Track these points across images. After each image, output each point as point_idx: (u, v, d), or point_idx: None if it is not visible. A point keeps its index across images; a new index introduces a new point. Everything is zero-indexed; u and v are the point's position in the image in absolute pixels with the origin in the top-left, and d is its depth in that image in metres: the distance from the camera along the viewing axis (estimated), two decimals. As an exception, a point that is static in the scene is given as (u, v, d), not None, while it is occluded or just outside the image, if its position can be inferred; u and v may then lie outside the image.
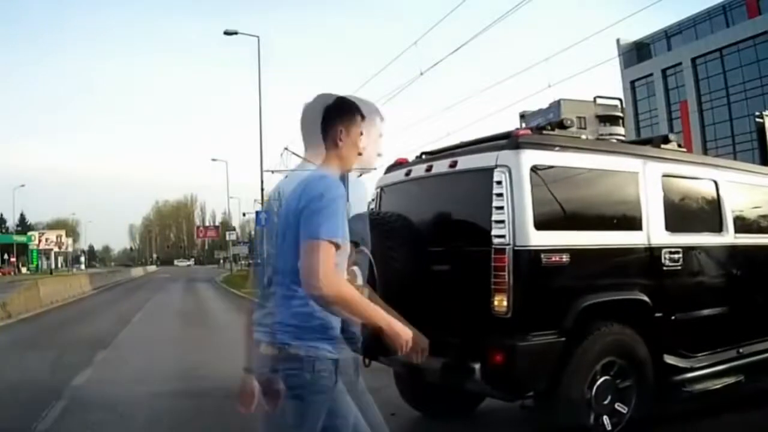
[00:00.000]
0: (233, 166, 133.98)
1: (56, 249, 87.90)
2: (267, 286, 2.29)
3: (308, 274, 2.01)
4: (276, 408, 2.07)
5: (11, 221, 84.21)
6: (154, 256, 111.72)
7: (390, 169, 5.02)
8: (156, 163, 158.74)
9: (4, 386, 6.27)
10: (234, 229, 59.43)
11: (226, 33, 23.28)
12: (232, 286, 28.33)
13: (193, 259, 79.53)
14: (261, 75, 27.05)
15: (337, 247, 2.08)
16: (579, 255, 3.80)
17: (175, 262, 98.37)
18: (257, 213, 27.78)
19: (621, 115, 50.49)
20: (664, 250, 4.19)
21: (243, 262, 70.74)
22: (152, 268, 76.77)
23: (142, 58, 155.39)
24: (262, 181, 25.20)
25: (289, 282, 2.14)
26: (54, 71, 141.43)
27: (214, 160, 54.03)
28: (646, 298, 3.99)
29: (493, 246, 3.67)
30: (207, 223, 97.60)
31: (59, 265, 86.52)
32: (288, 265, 2.13)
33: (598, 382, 3.80)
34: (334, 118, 2.26)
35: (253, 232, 77.43)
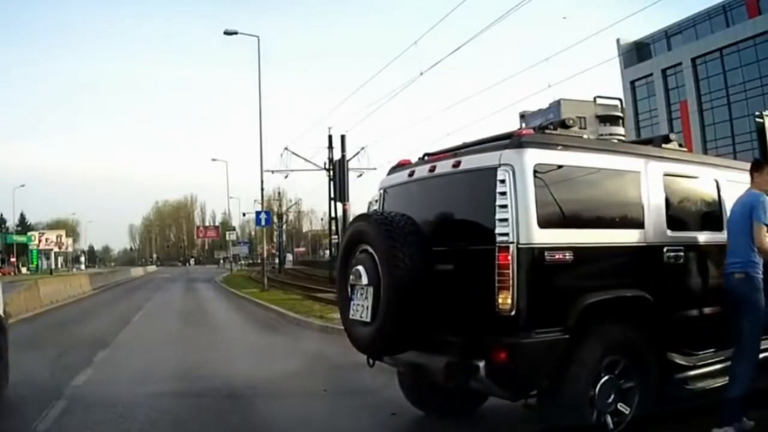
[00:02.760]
0: (233, 166, 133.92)
1: (56, 249, 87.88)
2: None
3: (760, 241, 4.21)
4: None
5: (11, 221, 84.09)
6: (154, 256, 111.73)
7: (393, 170, 5.04)
8: (156, 163, 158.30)
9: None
10: (234, 229, 59.28)
11: (226, 33, 23.22)
12: (232, 286, 28.29)
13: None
14: (261, 75, 27.21)
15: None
16: (582, 253, 3.82)
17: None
18: (257, 213, 27.78)
19: (621, 115, 50.56)
20: (666, 248, 4.22)
21: (242, 262, 70.48)
22: (152, 268, 76.64)
23: (142, 58, 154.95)
24: (262, 181, 25.21)
25: (740, 242, 4.29)
26: (54, 71, 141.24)
27: (214, 160, 54.27)
28: (648, 296, 4.00)
29: (497, 244, 3.67)
30: (207, 223, 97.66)
31: (59, 265, 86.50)
32: (742, 236, 4.29)
33: (602, 381, 3.81)
34: (760, 169, 4.48)
35: (253, 232, 77.27)
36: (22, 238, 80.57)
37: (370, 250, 4.15)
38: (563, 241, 3.77)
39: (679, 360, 4.20)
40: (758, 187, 4.39)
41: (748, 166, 4.68)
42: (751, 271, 4.22)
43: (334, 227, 31.13)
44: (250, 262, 70.22)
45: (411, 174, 4.69)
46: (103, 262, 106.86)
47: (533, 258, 3.67)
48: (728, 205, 4.65)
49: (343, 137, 24.78)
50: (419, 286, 3.89)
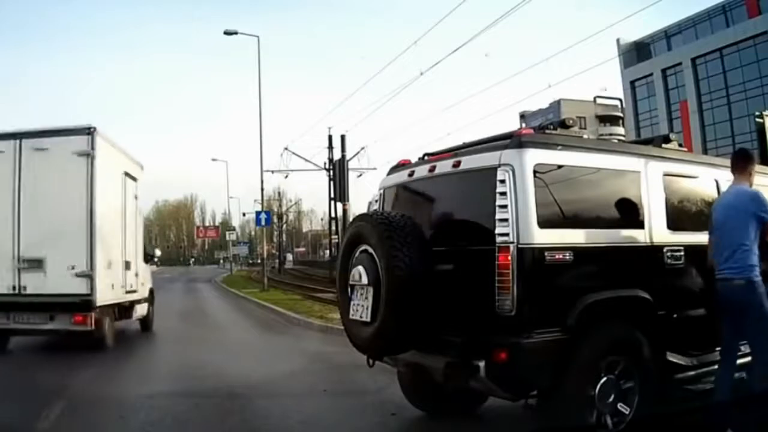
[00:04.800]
0: (233, 166, 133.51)
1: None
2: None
3: None
4: None
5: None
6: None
7: (393, 170, 5.04)
8: (156, 163, 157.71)
9: (4, 386, 6.26)
10: (234, 229, 59.26)
11: (226, 33, 23.22)
12: (232, 286, 28.27)
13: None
14: (261, 75, 27.26)
15: None
16: (582, 253, 3.82)
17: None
18: (257, 213, 27.80)
19: (621, 115, 50.54)
20: (666, 248, 4.23)
21: (242, 262, 70.57)
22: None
23: (142, 59, 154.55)
24: (262, 181, 25.20)
25: (739, 245, 4.05)
26: (54, 72, 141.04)
27: (214, 160, 54.30)
28: (648, 296, 4.01)
29: (497, 244, 3.68)
30: (207, 223, 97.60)
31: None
32: (737, 236, 4.08)
33: (602, 381, 3.81)
34: (751, 162, 4.33)
35: (253, 232, 77.35)
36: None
37: (370, 250, 4.15)
38: (563, 241, 3.77)
39: (679, 360, 4.21)
40: (747, 183, 4.24)
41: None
42: (752, 275, 4.03)
43: (334, 227, 31.14)
44: (250, 262, 70.26)
45: (411, 174, 4.69)
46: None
47: (533, 258, 3.67)
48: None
49: (343, 137, 24.81)
50: (419, 286, 3.88)
